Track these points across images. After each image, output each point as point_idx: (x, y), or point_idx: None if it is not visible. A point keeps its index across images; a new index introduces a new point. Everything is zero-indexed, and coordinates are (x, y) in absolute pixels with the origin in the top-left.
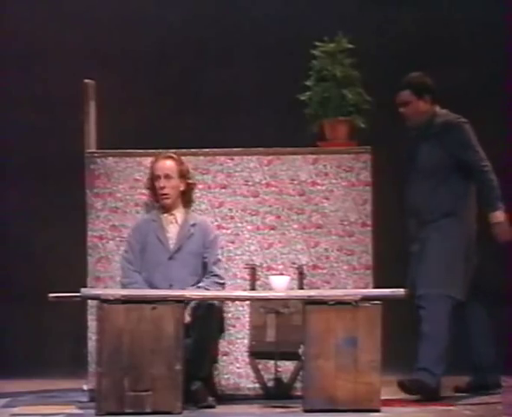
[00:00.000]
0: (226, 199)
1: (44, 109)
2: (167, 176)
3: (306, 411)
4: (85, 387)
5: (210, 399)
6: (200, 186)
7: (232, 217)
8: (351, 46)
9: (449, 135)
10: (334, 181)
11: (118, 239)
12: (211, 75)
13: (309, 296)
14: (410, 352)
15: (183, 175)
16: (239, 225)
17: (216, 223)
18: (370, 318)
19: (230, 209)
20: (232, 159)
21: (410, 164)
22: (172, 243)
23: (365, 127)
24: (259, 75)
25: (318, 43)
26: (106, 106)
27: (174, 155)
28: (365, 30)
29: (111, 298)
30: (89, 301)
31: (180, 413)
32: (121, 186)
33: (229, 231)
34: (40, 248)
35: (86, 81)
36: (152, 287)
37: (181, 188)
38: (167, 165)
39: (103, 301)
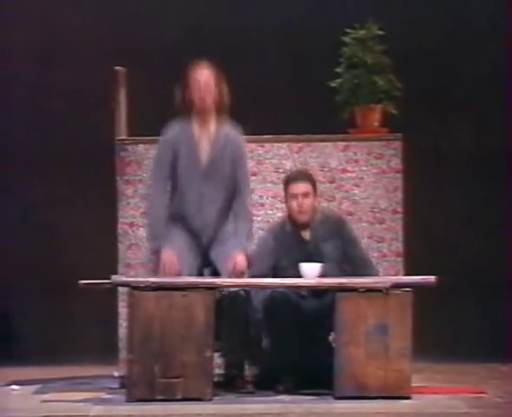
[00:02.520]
0: (257, 186)
1: (75, 98)
2: (206, 84)
3: (337, 398)
4: (116, 374)
5: (249, 386)
6: None
7: (262, 204)
8: (381, 32)
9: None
10: (364, 168)
11: (140, 225)
12: (241, 62)
13: (340, 283)
14: (440, 338)
15: (219, 83)
16: (270, 212)
17: None
18: (401, 305)
19: (260, 196)
20: (262, 146)
21: None
22: (205, 154)
23: (396, 114)
24: (289, 62)
25: (348, 30)
26: (136, 93)
27: (211, 65)
28: (396, 16)
29: (142, 285)
30: (120, 288)
31: (210, 400)
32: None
33: (259, 218)
34: (71, 236)
35: (116, 68)
36: (182, 203)
37: (217, 97)
38: (206, 72)
39: (134, 287)
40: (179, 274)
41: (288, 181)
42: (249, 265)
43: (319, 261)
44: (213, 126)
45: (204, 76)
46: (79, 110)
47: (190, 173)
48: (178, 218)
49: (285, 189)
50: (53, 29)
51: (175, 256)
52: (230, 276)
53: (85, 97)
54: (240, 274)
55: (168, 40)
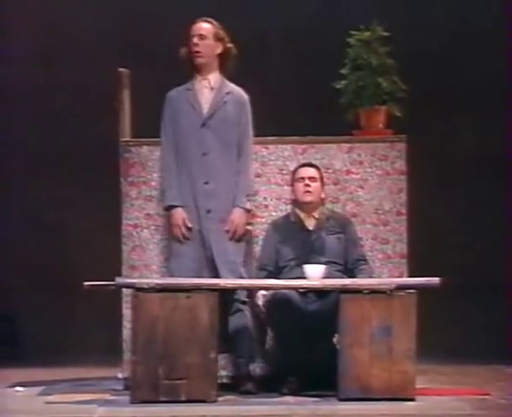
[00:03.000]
0: (261, 187)
1: (79, 99)
2: (202, 37)
3: (341, 400)
4: (120, 376)
5: (250, 385)
6: None
7: (266, 206)
8: (386, 34)
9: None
10: (369, 169)
11: (153, 227)
12: (245, 64)
13: (344, 285)
14: (444, 340)
15: (220, 38)
16: (274, 214)
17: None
18: (405, 307)
19: (264, 198)
20: (266, 148)
21: None
22: (206, 108)
23: (401, 115)
24: (294, 63)
25: (353, 32)
26: (140, 95)
27: (211, 20)
28: (401, 18)
29: (146, 286)
30: (124, 290)
31: (214, 402)
32: (155, 174)
33: (263, 219)
34: (75, 237)
35: (120, 69)
36: (183, 154)
37: (218, 51)
38: (203, 26)
39: (138, 289)
40: (187, 237)
41: (296, 168)
42: (248, 222)
43: (320, 252)
44: (213, 80)
45: (200, 30)
46: (83, 111)
47: (190, 124)
48: (182, 171)
49: (293, 177)
50: (57, 30)
51: (185, 217)
52: (229, 233)
53: (89, 98)
54: (238, 230)
55: (173, 41)
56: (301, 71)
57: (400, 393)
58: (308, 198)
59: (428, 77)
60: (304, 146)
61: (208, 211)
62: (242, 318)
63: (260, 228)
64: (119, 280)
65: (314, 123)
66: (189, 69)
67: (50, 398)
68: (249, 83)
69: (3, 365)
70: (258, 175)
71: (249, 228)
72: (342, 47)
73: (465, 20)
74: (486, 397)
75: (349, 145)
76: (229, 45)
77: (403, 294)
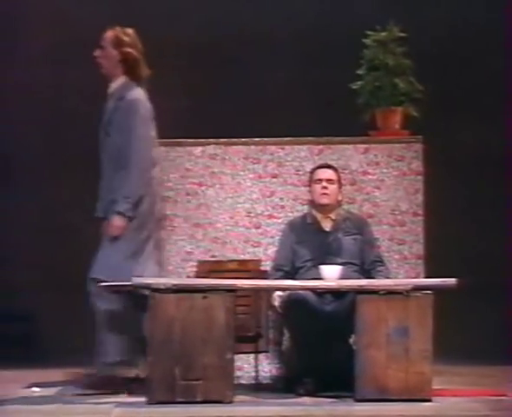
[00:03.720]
0: (277, 188)
1: (90, 100)
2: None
3: (358, 400)
4: None
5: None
6: (251, 175)
7: (282, 206)
8: (402, 35)
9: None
10: (385, 170)
11: (169, 228)
12: (263, 64)
13: (360, 286)
14: (461, 341)
15: (119, 43)
16: (290, 214)
17: (267, 213)
18: (422, 307)
19: (281, 198)
20: (282, 148)
21: None
22: (106, 113)
23: (417, 116)
24: (310, 64)
25: (369, 32)
26: (157, 95)
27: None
28: (419, 18)
29: (162, 287)
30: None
31: (230, 402)
32: (171, 175)
33: (280, 220)
34: (91, 237)
35: None
36: None
37: (117, 58)
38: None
39: (154, 290)
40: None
41: (314, 169)
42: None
43: (337, 253)
44: (115, 85)
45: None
46: (94, 112)
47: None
48: None
49: (310, 178)
50: (69, 30)
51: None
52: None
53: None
54: (114, 237)
55: (191, 42)
56: (317, 72)
57: (417, 394)
58: (325, 200)
59: (444, 78)
60: (320, 147)
61: None
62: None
63: (277, 229)
64: (135, 280)
65: (330, 124)
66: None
67: (67, 398)
68: (265, 84)
69: (20, 365)
70: (274, 176)
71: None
72: (358, 47)
73: (483, 21)
74: (502, 398)
75: (365, 146)
76: (127, 51)
77: (419, 294)
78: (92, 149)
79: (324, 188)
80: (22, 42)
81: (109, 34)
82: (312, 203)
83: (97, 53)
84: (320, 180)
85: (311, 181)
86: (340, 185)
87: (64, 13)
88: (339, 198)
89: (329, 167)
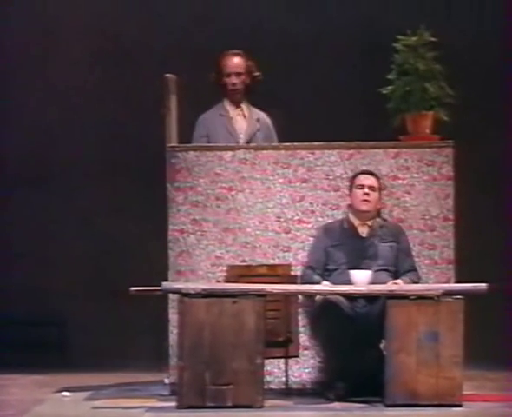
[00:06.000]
0: (307, 193)
1: (126, 105)
2: (238, 74)
3: (388, 406)
4: (166, 381)
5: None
6: (281, 180)
7: (312, 212)
8: (433, 39)
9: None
10: (416, 175)
11: (199, 233)
12: (292, 69)
13: (390, 291)
14: (491, 346)
15: (250, 70)
16: (320, 219)
17: (297, 217)
18: (452, 313)
19: (311, 204)
20: (313, 153)
21: None
22: (241, 135)
23: (448, 120)
24: (341, 69)
25: (400, 37)
26: (187, 100)
27: (242, 53)
28: (451, 23)
29: (192, 292)
30: (171, 295)
31: (261, 407)
32: (201, 180)
33: (310, 225)
34: (122, 243)
35: (167, 75)
36: None
37: (247, 82)
38: (238, 63)
39: (184, 294)
40: None
41: (356, 174)
42: None
43: (373, 258)
44: (245, 108)
45: (237, 68)
46: (130, 117)
47: None
48: None
49: (352, 182)
50: (108, 37)
51: None
52: None
53: (137, 105)
54: None
55: (219, 46)
56: (348, 76)
57: (447, 400)
58: (365, 207)
59: (476, 83)
60: (350, 151)
61: None
62: None
63: (307, 234)
64: (165, 285)
65: (361, 129)
66: (220, 93)
67: (97, 403)
68: (296, 90)
69: (51, 370)
70: (304, 181)
71: None
72: (389, 52)
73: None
74: None
75: (396, 150)
76: (256, 74)
77: (450, 299)
78: (131, 156)
79: (366, 194)
80: (62, 46)
81: (244, 61)
82: (351, 208)
83: (235, 81)
84: (362, 186)
85: (352, 186)
86: (381, 193)
87: (102, 19)
88: (379, 206)
89: (371, 174)
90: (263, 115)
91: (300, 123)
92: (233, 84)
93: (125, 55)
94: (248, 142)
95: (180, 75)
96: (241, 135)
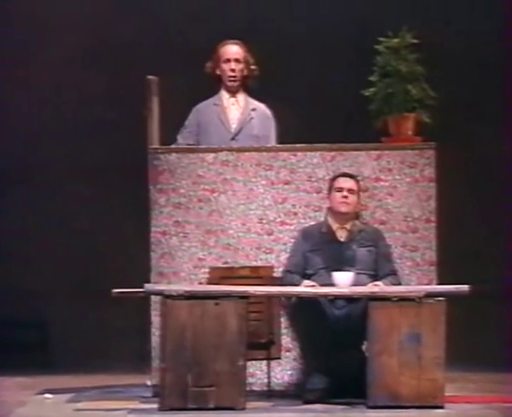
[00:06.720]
0: (290, 195)
1: (109, 106)
2: (237, 61)
3: (370, 407)
4: (148, 383)
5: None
6: (263, 182)
7: (295, 213)
8: (415, 41)
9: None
10: (398, 177)
11: (181, 235)
12: (274, 71)
13: (372, 292)
14: (473, 348)
15: (248, 61)
16: (303, 221)
17: (279, 219)
18: (434, 314)
19: (293, 205)
20: (295, 155)
21: None
22: (234, 125)
23: (430, 122)
24: (322, 71)
25: (381, 39)
26: (169, 102)
27: (240, 42)
28: (432, 24)
29: (174, 294)
30: (153, 297)
31: (243, 409)
32: (184, 182)
33: (292, 227)
34: (103, 244)
35: (149, 77)
36: None
37: (245, 73)
38: (237, 50)
39: (167, 296)
40: None
41: (335, 177)
42: None
43: (351, 263)
44: (240, 98)
45: (236, 55)
46: (113, 119)
47: (219, 137)
48: None
49: (331, 185)
50: (92, 37)
51: None
52: None
53: (119, 106)
54: None
55: (202, 48)
56: (329, 78)
57: (429, 401)
58: (344, 208)
59: (456, 84)
60: (332, 153)
61: None
62: None
63: (289, 236)
64: (148, 287)
65: (343, 131)
66: (215, 84)
67: (79, 405)
68: (276, 90)
69: (33, 372)
70: (286, 183)
71: None
72: (371, 54)
73: (496, 27)
74: None
75: (378, 152)
76: (253, 67)
77: (432, 301)
78: (115, 156)
79: (345, 197)
80: (50, 45)
81: (242, 50)
82: (330, 211)
83: (233, 67)
84: (341, 188)
85: (332, 188)
86: (359, 196)
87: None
88: (358, 209)
89: (351, 176)
90: (262, 106)
91: (282, 125)
92: (232, 70)
93: (117, 54)
94: (240, 131)
95: (173, 75)
96: (234, 125)
